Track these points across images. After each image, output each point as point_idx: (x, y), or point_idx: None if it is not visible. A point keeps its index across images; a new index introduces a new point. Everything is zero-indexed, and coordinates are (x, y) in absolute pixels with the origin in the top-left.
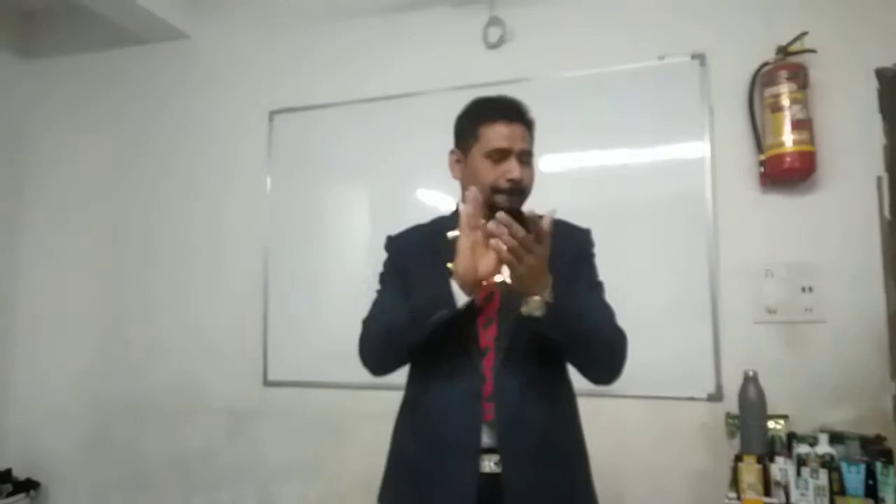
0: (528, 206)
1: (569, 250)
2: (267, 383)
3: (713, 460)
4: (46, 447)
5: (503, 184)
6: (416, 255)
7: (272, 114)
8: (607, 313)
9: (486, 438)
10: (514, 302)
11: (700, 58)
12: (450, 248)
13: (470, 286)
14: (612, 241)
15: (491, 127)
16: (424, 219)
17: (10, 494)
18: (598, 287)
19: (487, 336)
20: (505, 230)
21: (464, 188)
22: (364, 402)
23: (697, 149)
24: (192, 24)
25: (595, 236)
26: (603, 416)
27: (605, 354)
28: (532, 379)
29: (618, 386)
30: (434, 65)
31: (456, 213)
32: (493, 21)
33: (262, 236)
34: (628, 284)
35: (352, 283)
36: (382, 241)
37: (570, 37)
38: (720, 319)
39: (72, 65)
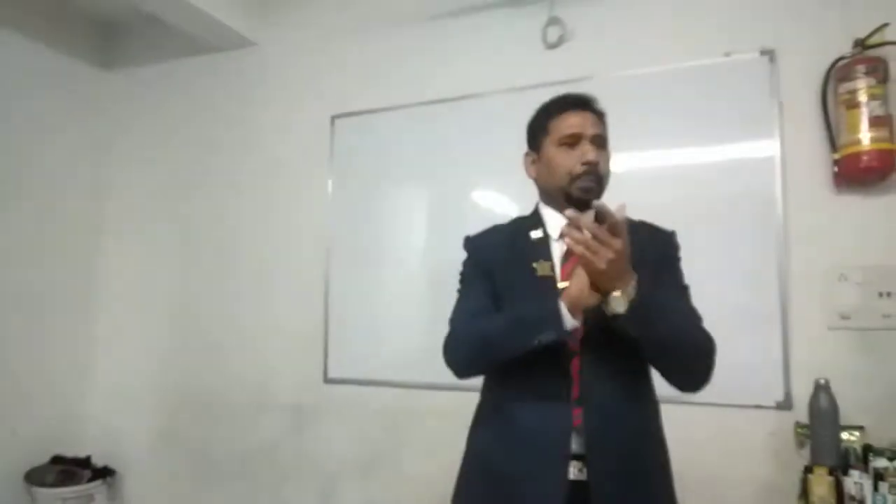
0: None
1: (652, 253)
2: (328, 381)
3: (781, 471)
4: (123, 437)
5: (579, 168)
6: (499, 255)
7: (334, 118)
8: (694, 317)
9: (574, 445)
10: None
11: (769, 54)
12: (534, 249)
13: (580, 310)
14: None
15: (560, 117)
16: (481, 220)
17: (88, 480)
18: (684, 291)
19: (574, 339)
20: (574, 228)
21: (540, 188)
22: (421, 402)
23: (766, 148)
24: (259, 31)
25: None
26: (667, 423)
27: (692, 358)
28: (619, 385)
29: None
30: (493, 66)
31: (535, 214)
32: (553, 21)
33: (323, 238)
34: (693, 288)
35: (409, 284)
36: (440, 242)
37: (631, 34)
38: (790, 325)
39: (147, 75)
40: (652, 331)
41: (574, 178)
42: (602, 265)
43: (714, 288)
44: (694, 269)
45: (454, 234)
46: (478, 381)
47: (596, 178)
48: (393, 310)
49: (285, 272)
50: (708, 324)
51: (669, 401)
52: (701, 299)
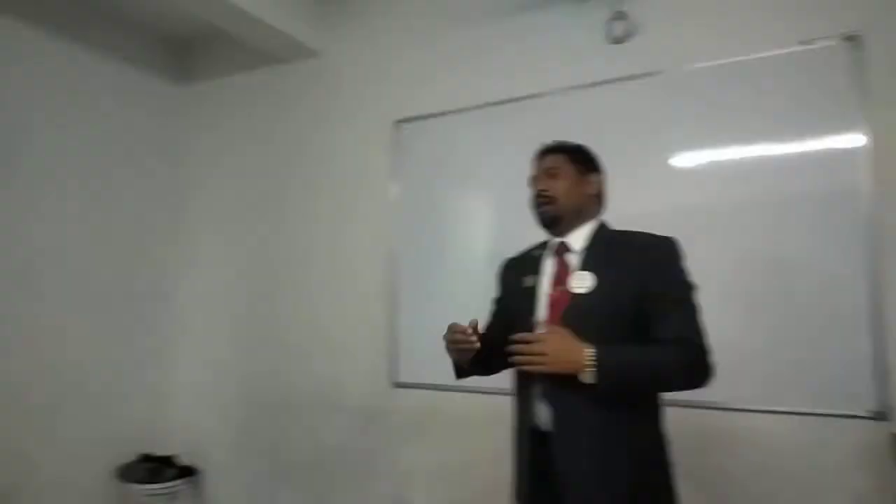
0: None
1: (642, 264)
2: (396, 385)
3: (875, 484)
4: (205, 437)
5: (534, 197)
6: (509, 273)
7: (397, 123)
8: (685, 335)
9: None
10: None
11: (854, 39)
12: (531, 265)
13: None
14: (753, 243)
15: (532, 169)
16: None
17: (173, 478)
18: (678, 301)
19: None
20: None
21: None
22: (490, 409)
23: (852, 140)
24: (323, 41)
25: (733, 237)
26: (740, 432)
27: (675, 384)
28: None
29: (758, 399)
30: (557, 64)
31: (546, 242)
32: (618, 15)
33: (389, 242)
34: (774, 291)
35: (477, 289)
36: (508, 246)
37: (701, 25)
38: (887, 330)
39: (218, 87)
40: (629, 386)
41: (532, 207)
42: (545, 367)
43: (796, 290)
44: (773, 270)
45: (523, 237)
46: None
47: (547, 199)
48: (461, 315)
49: (353, 276)
50: (789, 328)
51: (743, 408)
52: (781, 302)
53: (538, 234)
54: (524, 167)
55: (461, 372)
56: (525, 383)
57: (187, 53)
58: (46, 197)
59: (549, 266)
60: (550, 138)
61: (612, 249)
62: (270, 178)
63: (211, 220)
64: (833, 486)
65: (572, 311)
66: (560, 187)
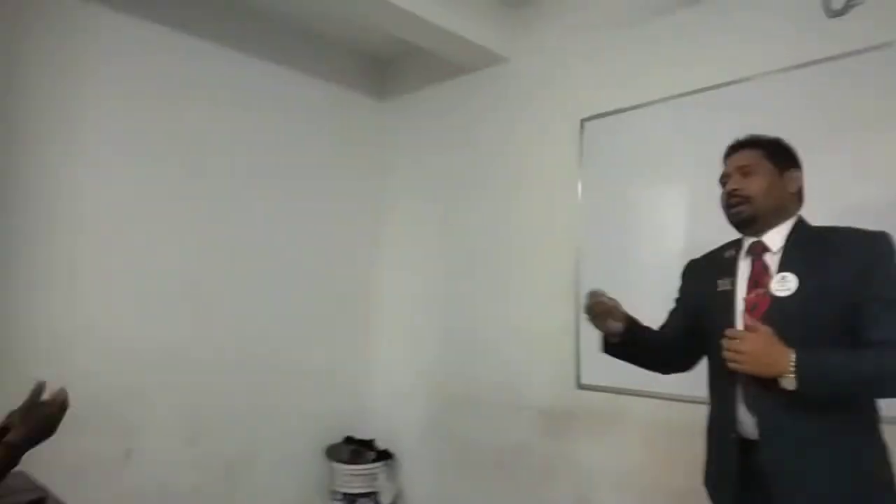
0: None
1: (848, 264)
2: (580, 387)
3: None
4: (400, 425)
5: (724, 199)
6: (698, 275)
7: (583, 121)
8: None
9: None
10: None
11: None
12: (723, 267)
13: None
14: None
15: (723, 162)
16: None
17: (373, 461)
18: (893, 302)
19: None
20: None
21: None
22: (679, 415)
23: None
24: (510, 48)
25: None
26: None
27: (889, 392)
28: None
29: None
30: (761, 45)
31: (741, 238)
32: None
33: (574, 241)
34: None
35: (666, 289)
36: (700, 244)
37: None
38: None
39: (416, 100)
40: (834, 391)
41: (725, 207)
42: (744, 367)
43: None
44: None
45: (716, 235)
46: None
47: (741, 199)
48: (649, 316)
49: (541, 277)
50: None
51: None
52: None
53: (730, 232)
54: (715, 160)
55: (608, 346)
56: (724, 386)
57: (387, 70)
58: (264, 200)
59: (744, 268)
60: (749, 127)
61: (815, 249)
62: (464, 183)
63: (411, 224)
64: None
65: (773, 316)
66: (755, 186)
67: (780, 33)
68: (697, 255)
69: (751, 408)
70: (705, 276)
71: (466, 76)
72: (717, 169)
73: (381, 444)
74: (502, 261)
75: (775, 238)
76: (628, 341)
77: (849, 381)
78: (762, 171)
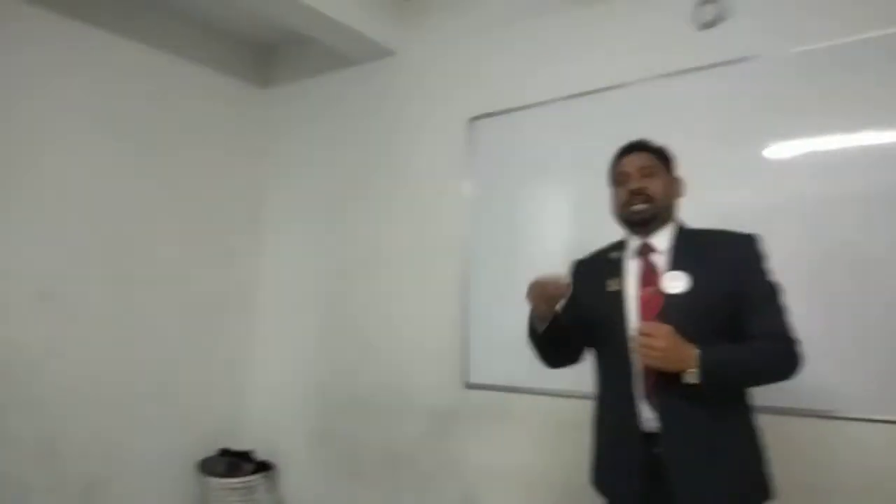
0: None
1: (729, 263)
2: (468, 386)
3: None
4: (281, 433)
5: (627, 197)
6: (587, 275)
7: (471, 120)
8: (777, 330)
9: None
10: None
11: None
12: (610, 268)
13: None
14: (863, 237)
15: (616, 164)
16: None
17: (251, 473)
18: (768, 297)
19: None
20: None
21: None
22: (565, 410)
23: None
24: (397, 40)
25: (840, 231)
26: (842, 441)
27: (773, 378)
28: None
29: (858, 407)
30: (640, 53)
31: (623, 239)
32: None
33: (463, 240)
34: (883, 289)
35: None
36: (587, 243)
37: (800, 6)
38: None
39: (299, 90)
40: (729, 384)
41: (625, 205)
42: (657, 363)
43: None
44: (885, 266)
45: (603, 234)
46: None
47: (644, 199)
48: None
49: (427, 276)
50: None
51: (843, 416)
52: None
53: (615, 230)
54: (602, 162)
55: (534, 334)
56: (622, 381)
57: (271, 57)
58: (137, 194)
59: (632, 268)
60: (631, 131)
61: (697, 249)
62: (349, 178)
63: (291, 221)
64: None
65: (669, 312)
66: (657, 187)
67: (658, 42)
68: (582, 254)
69: (652, 402)
70: (594, 277)
71: (354, 68)
72: (601, 171)
73: (260, 455)
74: (389, 259)
75: (661, 239)
76: (556, 329)
77: (741, 373)
78: (660, 174)
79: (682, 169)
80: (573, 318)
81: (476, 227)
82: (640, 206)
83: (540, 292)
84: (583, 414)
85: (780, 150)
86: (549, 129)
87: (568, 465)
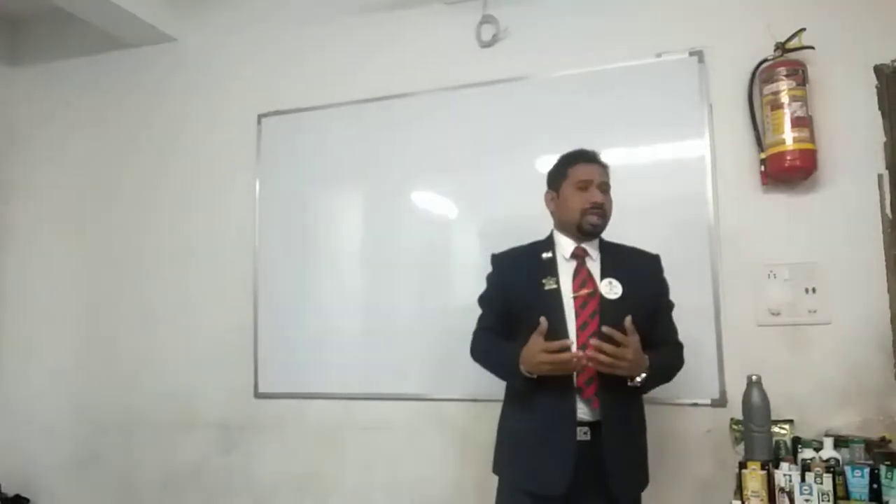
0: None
1: (647, 277)
2: (258, 395)
3: (718, 468)
4: (35, 463)
5: (588, 206)
6: (517, 273)
7: (261, 117)
8: (676, 337)
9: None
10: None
11: (698, 54)
12: (544, 267)
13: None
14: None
15: (577, 166)
16: (418, 223)
17: None
18: (670, 309)
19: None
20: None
21: (556, 219)
22: (357, 414)
23: (697, 147)
24: (178, 27)
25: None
26: None
27: (672, 378)
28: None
29: None
30: (427, 64)
31: (550, 239)
32: (487, 19)
33: (251, 242)
34: None
35: (345, 290)
36: (376, 245)
37: (565, 34)
38: (723, 322)
39: (57, 70)
40: (658, 383)
41: (584, 213)
42: (621, 371)
43: None
44: None
45: (391, 236)
46: (419, 390)
47: (601, 214)
48: (328, 318)
49: (210, 280)
50: None
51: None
52: None
53: (413, 235)
54: (392, 166)
55: (519, 378)
56: (560, 379)
57: (23, 33)
58: None
59: (567, 269)
60: (420, 139)
61: (622, 260)
62: (117, 171)
63: (46, 217)
64: (680, 470)
65: (608, 316)
66: (610, 204)
67: (446, 56)
68: (376, 256)
69: (593, 398)
70: (525, 274)
71: (126, 51)
72: (391, 174)
73: (10, 490)
74: (167, 262)
75: (591, 247)
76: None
77: (667, 375)
78: (608, 192)
79: (460, 181)
80: (502, 312)
81: (266, 228)
82: (597, 221)
83: (561, 366)
84: (374, 415)
85: (547, 165)
86: (339, 131)
87: (358, 466)
